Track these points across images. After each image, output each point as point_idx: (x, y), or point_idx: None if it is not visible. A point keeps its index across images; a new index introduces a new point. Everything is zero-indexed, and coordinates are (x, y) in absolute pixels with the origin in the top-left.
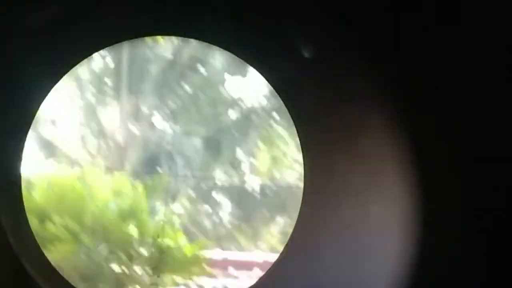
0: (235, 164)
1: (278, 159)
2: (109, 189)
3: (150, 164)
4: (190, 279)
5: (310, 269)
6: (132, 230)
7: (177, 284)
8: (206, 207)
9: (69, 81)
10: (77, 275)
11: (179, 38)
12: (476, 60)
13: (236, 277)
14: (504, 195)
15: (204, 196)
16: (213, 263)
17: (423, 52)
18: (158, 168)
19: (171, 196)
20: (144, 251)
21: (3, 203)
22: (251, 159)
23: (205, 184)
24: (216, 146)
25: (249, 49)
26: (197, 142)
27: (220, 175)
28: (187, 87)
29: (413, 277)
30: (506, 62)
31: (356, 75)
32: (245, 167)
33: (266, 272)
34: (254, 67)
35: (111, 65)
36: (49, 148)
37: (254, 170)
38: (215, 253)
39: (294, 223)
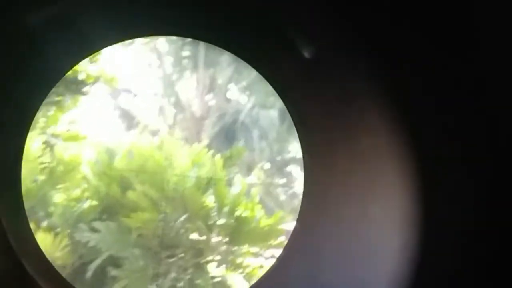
0: None
1: None
2: (187, 159)
3: (227, 136)
4: (266, 249)
5: (311, 269)
6: (210, 200)
7: (254, 255)
8: (282, 179)
9: (149, 52)
10: (157, 242)
11: (179, 38)
12: (476, 60)
13: None
14: (505, 195)
15: (280, 168)
16: (287, 234)
17: (423, 52)
18: (235, 141)
19: (248, 168)
20: (221, 221)
21: (3, 203)
22: None
23: (280, 156)
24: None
25: (249, 49)
26: (273, 114)
27: (294, 147)
28: None
29: (414, 277)
30: (507, 62)
31: (356, 75)
32: None
33: (266, 272)
34: (254, 67)
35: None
36: (129, 118)
37: None
38: (290, 225)
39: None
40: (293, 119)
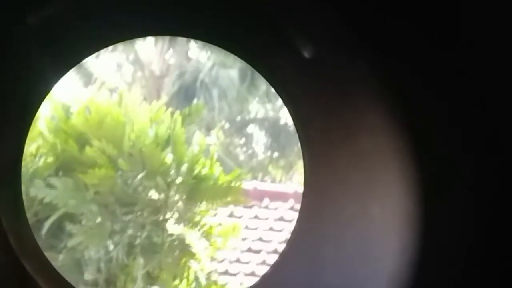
0: (270, 97)
1: None
2: (146, 117)
3: (186, 94)
4: (225, 206)
5: (310, 269)
6: (169, 157)
7: (212, 213)
8: (241, 139)
9: None
10: (115, 199)
11: (179, 38)
12: (476, 60)
13: (271, 209)
14: (505, 195)
15: (239, 128)
16: (248, 194)
17: (423, 52)
18: (194, 99)
19: (207, 127)
20: (180, 179)
21: (3, 203)
22: None
23: (240, 116)
24: (252, 78)
25: (249, 49)
26: (233, 73)
27: (255, 108)
28: None
29: (414, 277)
30: (507, 62)
31: (356, 75)
32: (280, 100)
33: (266, 272)
34: (254, 66)
35: None
36: (86, 75)
37: None
38: (250, 184)
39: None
40: (293, 119)
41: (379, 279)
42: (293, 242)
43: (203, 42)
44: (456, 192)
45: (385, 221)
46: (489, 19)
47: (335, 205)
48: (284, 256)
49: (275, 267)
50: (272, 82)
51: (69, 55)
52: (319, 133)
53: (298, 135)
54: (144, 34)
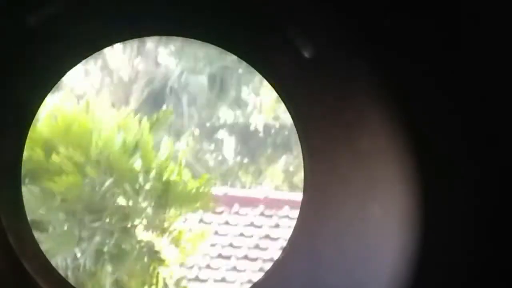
0: (239, 103)
1: None
2: (114, 123)
3: (155, 101)
4: (193, 212)
5: (310, 269)
6: (137, 164)
7: (181, 219)
8: (211, 145)
9: None
10: (82, 207)
11: (179, 38)
12: (477, 59)
13: (241, 214)
14: (505, 195)
15: (209, 134)
16: (218, 199)
17: (423, 52)
18: (163, 106)
19: (176, 133)
20: (148, 185)
21: (3, 203)
22: (256, 97)
23: (210, 122)
24: (221, 84)
25: (249, 49)
26: (203, 79)
27: (224, 114)
28: None
29: (414, 277)
30: (507, 61)
31: (356, 75)
32: (249, 105)
33: (266, 272)
34: (254, 66)
35: None
36: None
37: (259, 108)
38: (220, 190)
39: (298, 162)
40: (293, 119)
41: (379, 279)
42: (293, 242)
43: (175, 49)
44: (456, 192)
45: (385, 221)
46: (490, 18)
47: (335, 205)
48: (284, 256)
49: (275, 267)
50: (272, 82)
51: (69, 55)
52: (319, 133)
53: (298, 135)
54: (144, 34)
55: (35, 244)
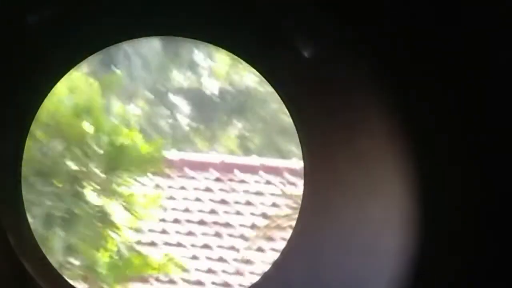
0: (194, 67)
1: (238, 62)
2: (64, 85)
3: (108, 64)
4: (146, 177)
5: (310, 269)
6: (88, 127)
7: (134, 183)
8: (164, 109)
9: None
10: (33, 171)
11: (179, 38)
12: (477, 59)
13: (196, 179)
14: (505, 195)
15: (162, 98)
16: (172, 164)
17: (423, 52)
18: (115, 68)
19: (128, 97)
20: (99, 149)
21: (3, 203)
22: (210, 62)
23: (163, 87)
24: (176, 48)
25: (249, 49)
26: (156, 43)
27: (178, 78)
28: None
29: (414, 277)
30: (507, 60)
31: (356, 75)
32: (203, 69)
33: (266, 272)
34: (254, 66)
35: None
36: None
37: (213, 72)
38: (172, 154)
39: (253, 127)
40: (293, 119)
41: (379, 279)
42: (293, 242)
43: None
44: (456, 192)
45: (385, 221)
46: (491, 19)
47: (335, 205)
48: (284, 256)
49: (275, 266)
50: (272, 82)
51: (69, 55)
52: (319, 133)
53: (298, 135)
54: (144, 34)
55: (35, 244)
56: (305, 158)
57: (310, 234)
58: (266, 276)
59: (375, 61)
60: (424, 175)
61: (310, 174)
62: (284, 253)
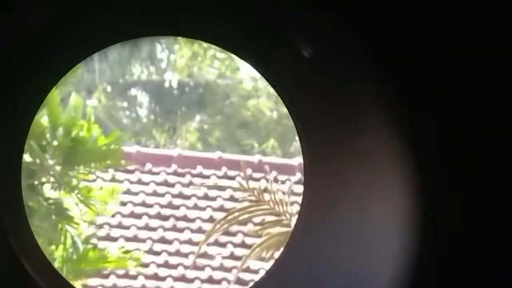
0: (153, 60)
1: (198, 55)
2: None
3: None
4: (105, 171)
5: (310, 269)
6: (44, 119)
7: (91, 176)
8: (124, 102)
9: None
10: None
11: (179, 38)
12: (477, 59)
13: (154, 172)
14: (506, 195)
15: (122, 91)
16: (130, 157)
17: (423, 52)
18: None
19: (88, 90)
20: (56, 142)
21: (3, 203)
22: (171, 55)
23: (122, 79)
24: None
25: (249, 49)
26: None
27: (138, 70)
28: None
29: (414, 277)
30: (507, 61)
31: (356, 75)
32: (163, 62)
33: (266, 272)
34: (254, 66)
35: None
36: None
37: (172, 65)
38: (132, 148)
39: (213, 121)
40: (292, 119)
41: (379, 279)
42: (293, 242)
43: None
44: (456, 192)
45: (385, 221)
46: (491, 19)
47: (335, 205)
48: (284, 256)
49: (275, 266)
50: (272, 82)
51: (69, 56)
52: (319, 133)
53: (298, 135)
54: (144, 34)
55: (35, 244)
56: (305, 158)
57: (310, 234)
58: (266, 276)
59: (375, 61)
60: (424, 175)
61: (310, 174)
62: (285, 253)
